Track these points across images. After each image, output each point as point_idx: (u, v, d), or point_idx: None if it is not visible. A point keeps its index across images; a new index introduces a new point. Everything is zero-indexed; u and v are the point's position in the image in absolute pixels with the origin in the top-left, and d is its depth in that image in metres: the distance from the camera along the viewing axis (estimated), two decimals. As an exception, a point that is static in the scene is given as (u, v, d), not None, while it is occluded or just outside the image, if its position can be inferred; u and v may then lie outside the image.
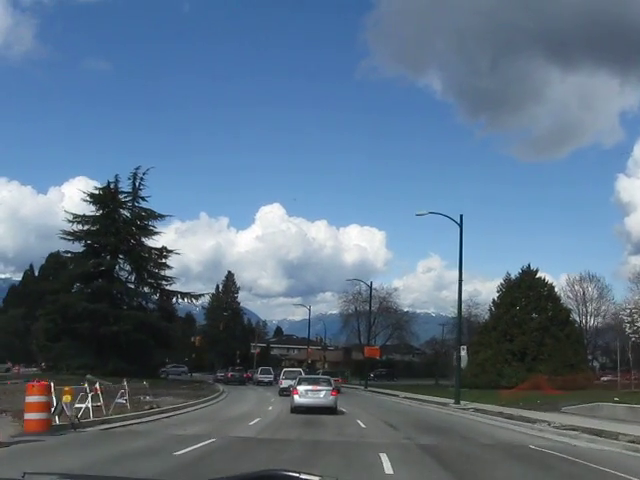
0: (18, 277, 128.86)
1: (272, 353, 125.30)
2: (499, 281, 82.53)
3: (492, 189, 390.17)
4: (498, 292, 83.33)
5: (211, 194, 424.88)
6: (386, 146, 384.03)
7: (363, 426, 24.81)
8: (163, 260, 67.98)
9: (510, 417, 28.26)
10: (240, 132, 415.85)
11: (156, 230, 67.82)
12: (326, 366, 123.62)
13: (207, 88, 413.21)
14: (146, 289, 67.87)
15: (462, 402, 38.39)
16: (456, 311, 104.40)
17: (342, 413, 31.27)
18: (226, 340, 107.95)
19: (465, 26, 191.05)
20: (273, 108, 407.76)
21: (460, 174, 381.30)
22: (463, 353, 39.47)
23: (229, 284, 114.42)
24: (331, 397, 29.85)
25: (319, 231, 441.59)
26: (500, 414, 30.12)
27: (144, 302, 67.73)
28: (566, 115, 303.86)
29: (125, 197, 67.49)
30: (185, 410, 30.19)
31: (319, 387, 30.34)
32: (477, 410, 33.55)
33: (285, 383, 46.08)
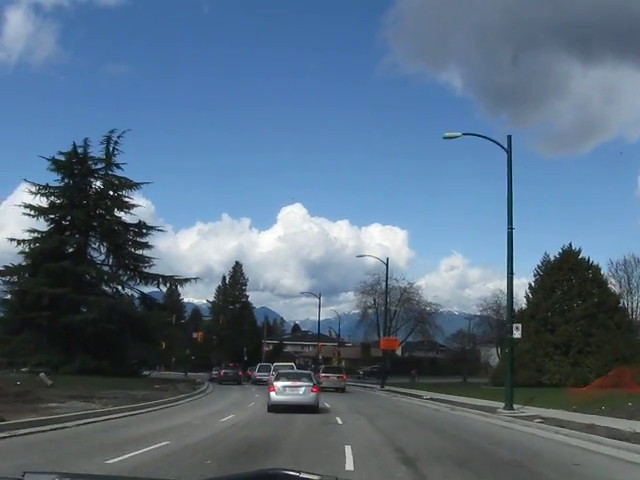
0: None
1: (286, 350, 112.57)
2: (525, 280, 69.23)
3: (515, 186, 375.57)
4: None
5: (233, 195, 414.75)
6: (407, 144, 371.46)
7: (350, 466, 11.61)
8: (142, 239, 55.73)
9: (620, 438, 15.24)
10: (261, 132, 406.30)
11: (133, 202, 55.70)
12: (343, 363, 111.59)
13: (227, 88, 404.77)
14: (123, 273, 55.55)
15: (515, 406, 25.64)
16: (481, 309, 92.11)
17: (330, 425, 19.92)
18: (233, 336, 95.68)
19: (485, 21, 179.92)
20: (294, 108, 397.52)
21: (481, 171, 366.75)
22: (517, 333, 26.58)
23: (237, 275, 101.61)
24: (312, 394, 26.18)
25: (341, 231, 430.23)
26: (591, 429, 17.22)
27: (120, 288, 55.56)
28: (589, 109, 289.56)
29: (96, 164, 55.40)
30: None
31: (298, 383, 26.46)
32: (545, 420, 20.72)
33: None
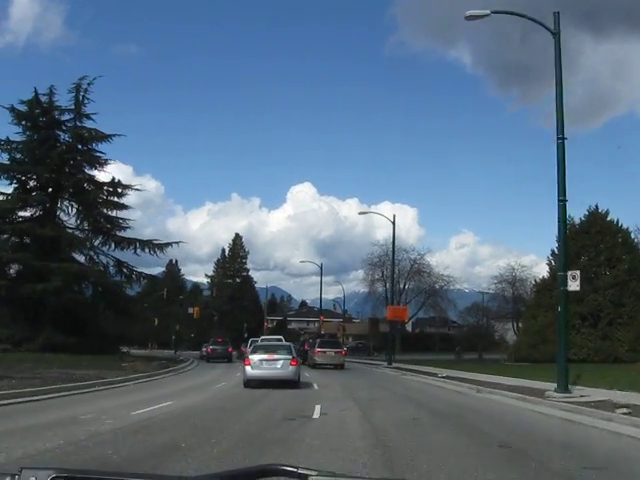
0: None
1: (290, 327, 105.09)
2: (536, 257, 60.98)
3: (526, 164, 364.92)
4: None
5: (242, 174, 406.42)
6: (416, 122, 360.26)
7: None
8: (117, 199, 48.01)
9: None
10: (269, 111, 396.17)
11: (105, 157, 47.93)
12: (350, 339, 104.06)
13: (236, 68, 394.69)
14: (94, 237, 47.90)
15: (570, 387, 17.94)
16: (495, 282, 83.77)
17: (298, 420, 12.64)
18: (233, 312, 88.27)
19: None
20: (301, 87, 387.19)
21: (493, 148, 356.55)
22: (574, 284, 18.75)
23: (236, 248, 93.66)
24: (291, 368, 23.17)
25: (350, 209, 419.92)
26: None
27: (94, 254, 47.83)
28: (600, 84, 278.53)
29: (63, 115, 47.65)
30: None
31: (276, 356, 23.42)
32: (635, 412, 12.80)
33: None
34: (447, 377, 28.98)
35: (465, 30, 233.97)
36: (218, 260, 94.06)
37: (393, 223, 42.24)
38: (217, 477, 2.23)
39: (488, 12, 18.53)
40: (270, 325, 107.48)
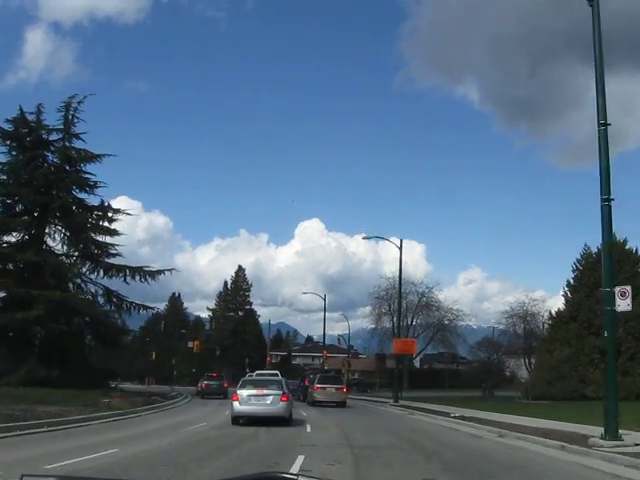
0: None
1: (295, 362, 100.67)
2: (549, 295, 57.21)
3: (534, 199, 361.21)
4: (574, 272, 58.24)
5: (250, 210, 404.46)
6: (424, 158, 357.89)
7: None
8: (107, 224, 44.70)
9: None
10: (277, 148, 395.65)
11: (94, 180, 44.74)
12: (356, 375, 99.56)
13: (243, 103, 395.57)
14: (81, 263, 44.44)
15: (622, 434, 14.18)
16: (506, 316, 79.24)
17: None
18: (235, 346, 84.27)
19: (501, 33, 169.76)
20: (309, 123, 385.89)
21: (500, 185, 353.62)
22: (625, 303, 15.10)
23: (239, 281, 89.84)
24: (281, 404, 21.22)
25: (359, 245, 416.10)
26: None
27: (81, 282, 44.31)
28: (608, 120, 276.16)
29: (50, 135, 44.65)
30: None
31: (266, 391, 21.54)
32: None
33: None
34: (461, 417, 25.15)
35: (472, 66, 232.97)
36: (220, 293, 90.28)
37: (400, 248, 38.66)
38: None
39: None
40: (274, 360, 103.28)
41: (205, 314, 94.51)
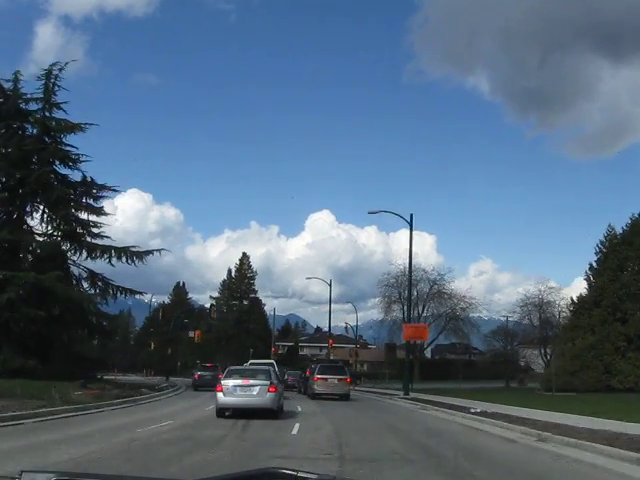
0: None
1: (302, 353, 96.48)
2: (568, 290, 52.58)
3: (544, 190, 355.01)
4: (597, 254, 53.61)
5: (261, 202, 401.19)
6: (434, 149, 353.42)
7: None
8: (91, 201, 40.51)
9: None
10: (288, 140, 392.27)
11: (77, 153, 40.47)
12: (365, 366, 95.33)
13: (253, 96, 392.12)
14: (62, 241, 40.13)
15: None
16: (521, 304, 74.32)
17: None
18: (239, 336, 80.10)
19: (512, 23, 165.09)
20: (320, 115, 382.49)
21: (510, 176, 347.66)
22: None
23: (243, 268, 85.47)
24: (268, 395, 19.50)
25: (369, 237, 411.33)
26: None
27: (63, 265, 40.04)
28: (619, 110, 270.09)
29: (28, 104, 40.40)
30: None
31: (252, 381, 19.92)
32: None
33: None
34: (483, 413, 20.71)
35: (482, 57, 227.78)
36: (224, 281, 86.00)
37: (410, 223, 34.12)
38: (220, 479, 2.23)
39: None
40: (280, 351, 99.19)
41: (209, 303, 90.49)
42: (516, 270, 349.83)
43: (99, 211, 41.25)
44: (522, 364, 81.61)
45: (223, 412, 19.83)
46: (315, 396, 32.21)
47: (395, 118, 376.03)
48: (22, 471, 1.98)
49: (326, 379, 32.26)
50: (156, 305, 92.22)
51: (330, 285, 66.55)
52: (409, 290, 36.64)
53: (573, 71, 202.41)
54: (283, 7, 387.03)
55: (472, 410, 21.86)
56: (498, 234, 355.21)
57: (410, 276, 34.80)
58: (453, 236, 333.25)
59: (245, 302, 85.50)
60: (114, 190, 41.30)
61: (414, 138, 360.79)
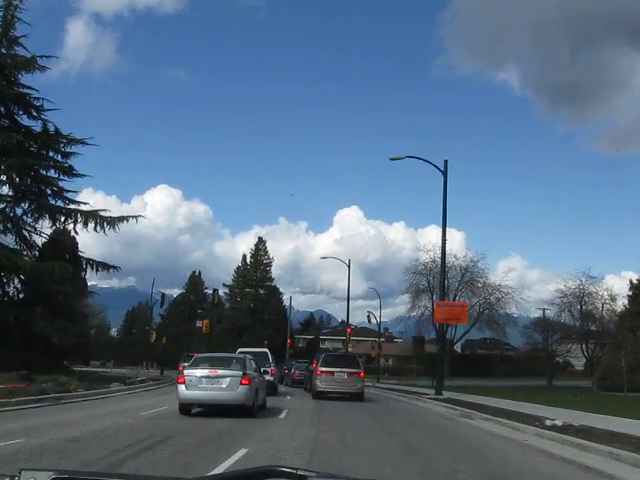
0: None
1: (323, 347, 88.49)
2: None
3: (575, 187, 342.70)
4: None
5: (289, 198, 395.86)
6: (463, 145, 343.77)
7: None
8: (56, 156, 32.79)
9: None
10: (317, 136, 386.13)
11: (38, 96, 32.80)
12: (390, 361, 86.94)
13: (283, 93, 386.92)
14: (16, 202, 32.46)
15: None
16: (560, 296, 65.19)
17: None
18: (254, 327, 72.36)
19: (542, 18, 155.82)
20: (349, 112, 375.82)
21: (540, 171, 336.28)
22: None
23: (259, 254, 77.46)
24: (240, 388, 15.84)
25: (398, 233, 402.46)
26: None
27: (25, 231, 32.47)
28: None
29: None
30: None
31: (221, 372, 16.15)
32: None
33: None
34: (568, 429, 12.26)
35: (513, 52, 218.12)
36: (238, 267, 78.01)
37: (444, 173, 25.69)
38: (217, 478, 2.16)
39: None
40: (301, 344, 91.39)
41: (222, 291, 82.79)
42: (546, 267, 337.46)
43: (68, 170, 33.54)
44: (560, 360, 73.27)
45: (187, 409, 16.15)
46: (318, 395, 23.99)
47: (424, 114, 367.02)
48: (21, 469, 1.88)
49: (332, 373, 23.74)
50: (172, 297, 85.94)
51: (349, 266, 58.42)
52: (443, 259, 28.08)
53: (605, 64, 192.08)
54: (311, 3, 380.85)
55: (548, 423, 13.44)
56: (528, 230, 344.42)
57: (444, 238, 26.31)
58: (482, 232, 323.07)
59: (261, 291, 77.59)
60: (85, 143, 33.36)
61: (443, 134, 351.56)
